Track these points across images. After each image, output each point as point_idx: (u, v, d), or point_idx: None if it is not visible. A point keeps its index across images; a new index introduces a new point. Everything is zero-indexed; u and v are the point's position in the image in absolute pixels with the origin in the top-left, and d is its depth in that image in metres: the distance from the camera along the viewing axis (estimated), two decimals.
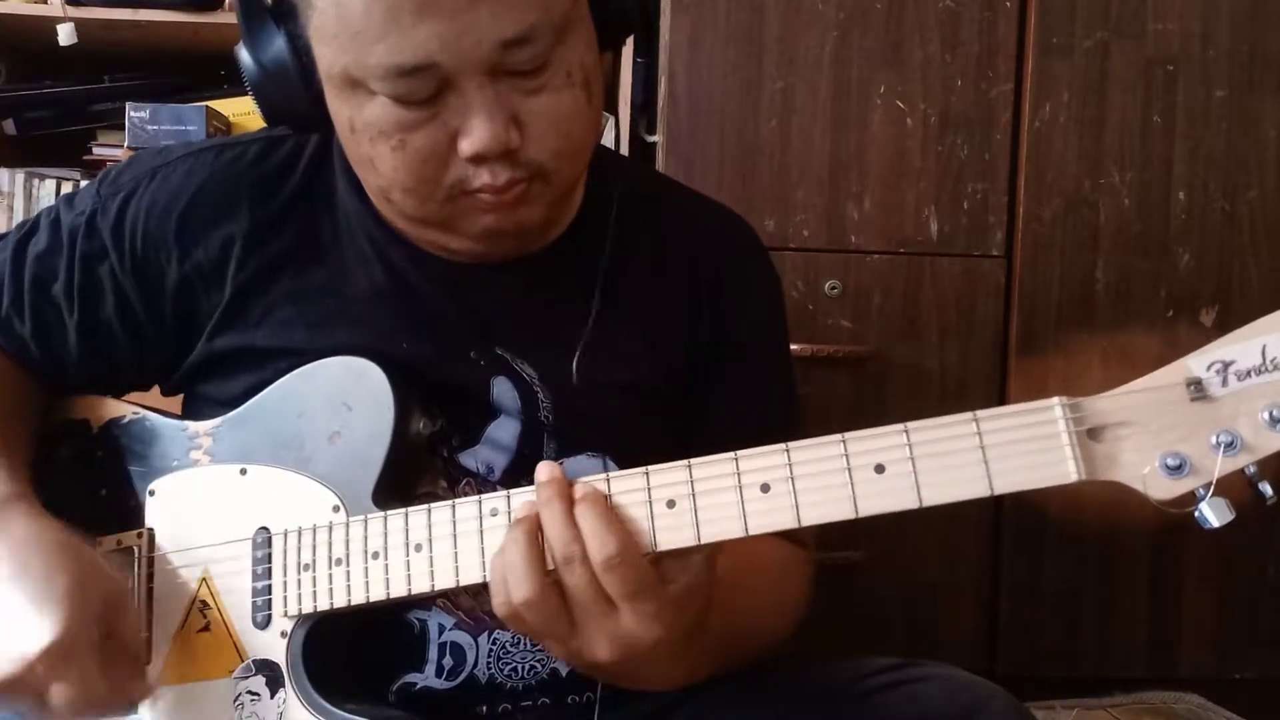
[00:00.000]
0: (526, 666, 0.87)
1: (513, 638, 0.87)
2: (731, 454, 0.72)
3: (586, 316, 0.91)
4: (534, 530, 0.72)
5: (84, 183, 1.82)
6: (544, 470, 0.74)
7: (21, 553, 0.77)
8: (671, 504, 0.72)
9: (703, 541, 0.72)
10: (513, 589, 0.71)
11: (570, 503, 0.72)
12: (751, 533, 0.71)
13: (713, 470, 0.72)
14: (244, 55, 0.82)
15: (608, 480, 0.73)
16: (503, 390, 0.89)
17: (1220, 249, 1.57)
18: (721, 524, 0.71)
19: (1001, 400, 1.56)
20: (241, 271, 0.89)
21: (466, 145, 0.77)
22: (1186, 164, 1.57)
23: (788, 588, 0.94)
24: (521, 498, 0.76)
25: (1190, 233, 1.57)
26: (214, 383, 0.91)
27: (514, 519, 0.74)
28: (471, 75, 0.76)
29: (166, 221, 0.90)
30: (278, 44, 0.81)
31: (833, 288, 1.55)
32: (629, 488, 0.73)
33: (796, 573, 0.95)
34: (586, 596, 0.70)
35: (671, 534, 0.72)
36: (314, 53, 0.80)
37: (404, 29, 0.73)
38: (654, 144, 1.62)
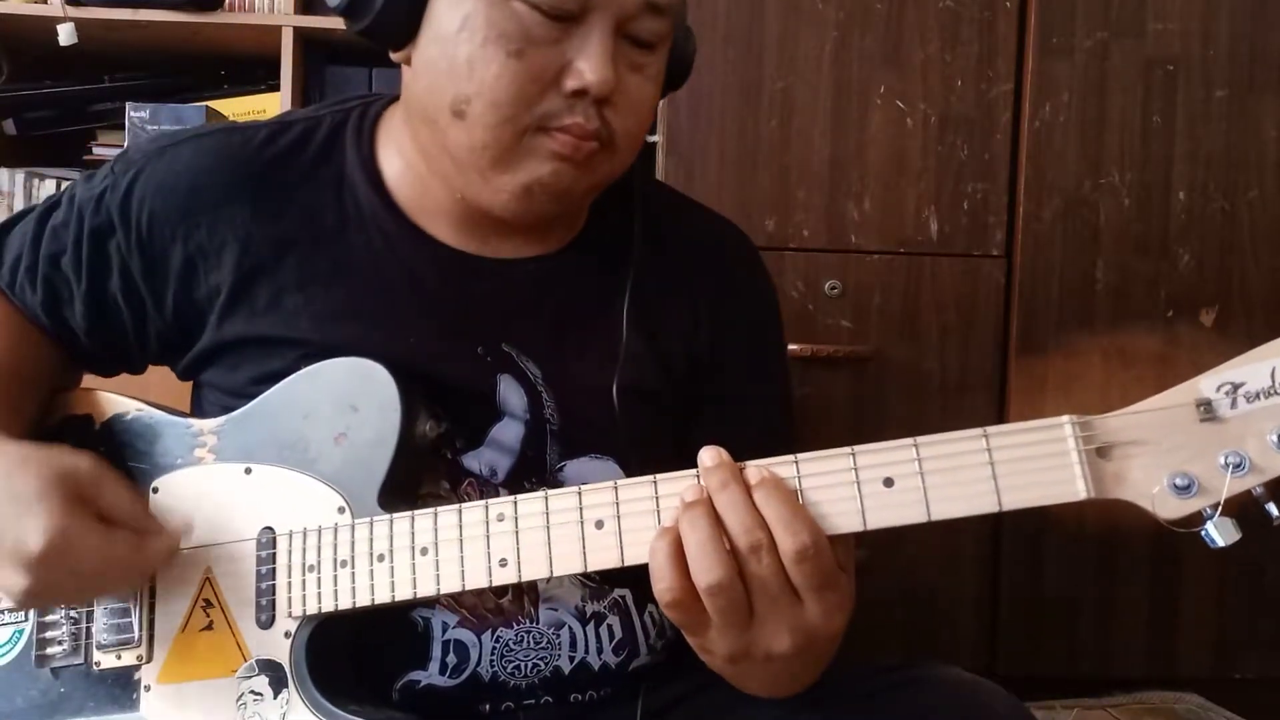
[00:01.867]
0: (530, 665, 0.87)
1: (516, 635, 0.87)
2: (741, 465, 0.72)
3: (592, 320, 0.91)
4: (714, 512, 0.69)
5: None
6: (710, 454, 0.71)
7: None
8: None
9: None
10: (699, 572, 0.67)
11: (747, 488, 0.69)
12: None
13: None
14: None
15: (616, 487, 0.74)
16: (508, 390, 0.89)
17: (1220, 249, 1.58)
18: None
19: (1002, 400, 1.56)
20: (246, 255, 0.89)
21: (576, 79, 0.80)
22: (1186, 164, 1.57)
23: None
24: (528, 503, 0.76)
25: (1190, 233, 1.57)
26: (222, 371, 0.91)
27: (685, 501, 0.70)
28: (609, 17, 0.80)
29: (173, 202, 0.90)
30: None
31: (833, 288, 1.56)
32: (638, 495, 0.73)
33: None
34: (775, 586, 0.68)
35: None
36: None
37: None
38: (654, 144, 1.62)
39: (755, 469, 0.70)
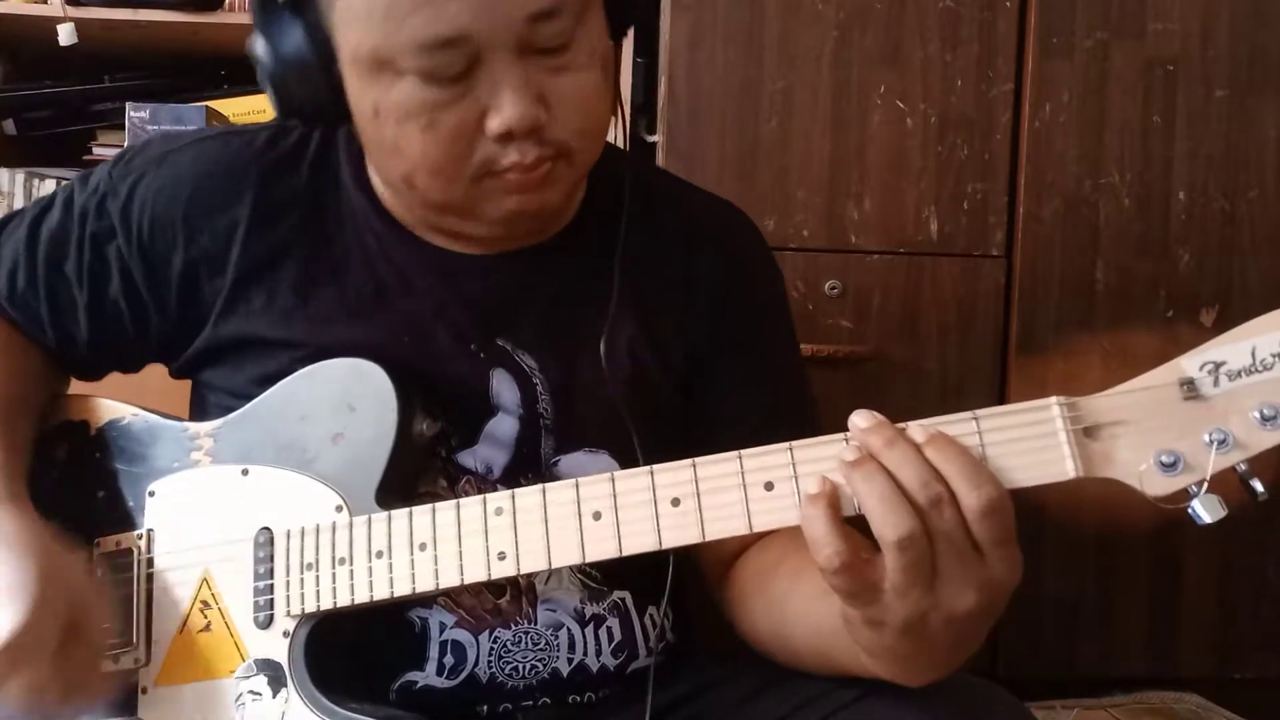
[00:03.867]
0: (527, 665, 0.87)
1: (514, 636, 0.87)
2: (735, 453, 0.72)
3: (587, 310, 0.91)
4: (884, 469, 0.66)
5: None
6: (864, 416, 0.68)
7: None
8: (676, 502, 0.73)
9: (707, 539, 0.72)
10: (885, 527, 0.64)
11: (914, 444, 0.67)
12: (755, 530, 0.71)
13: (717, 469, 0.73)
14: (259, 47, 0.83)
15: (613, 479, 0.74)
16: (502, 385, 0.89)
17: (1220, 249, 1.57)
18: (726, 522, 0.72)
19: (1001, 400, 1.56)
20: (244, 257, 0.90)
21: (496, 122, 0.78)
22: (1186, 164, 1.57)
23: None
24: (526, 497, 0.77)
25: (1190, 233, 1.57)
26: (220, 371, 0.92)
27: (847, 462, 0.67)
28: (501, 50, 0.77)
29: (173, 206, 0.91)
30: (295, 34, 0.81)
31: (833, 288, 1.55)
32: (634, 486, 0.74)
33: None
34: (959, 541, 0.65)
35: (677, 531, 0.72)
36: (336, 39, 0.80)
37: (436, 1, 0.74)
38: (654, 144, 1.62)
39: (918, 427, 0.68)
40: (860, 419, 0.68)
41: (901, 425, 0.68)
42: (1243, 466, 0.66)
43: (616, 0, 0.86)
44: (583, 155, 0.84)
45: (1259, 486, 0.66)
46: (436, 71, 0.77)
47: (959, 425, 0.69)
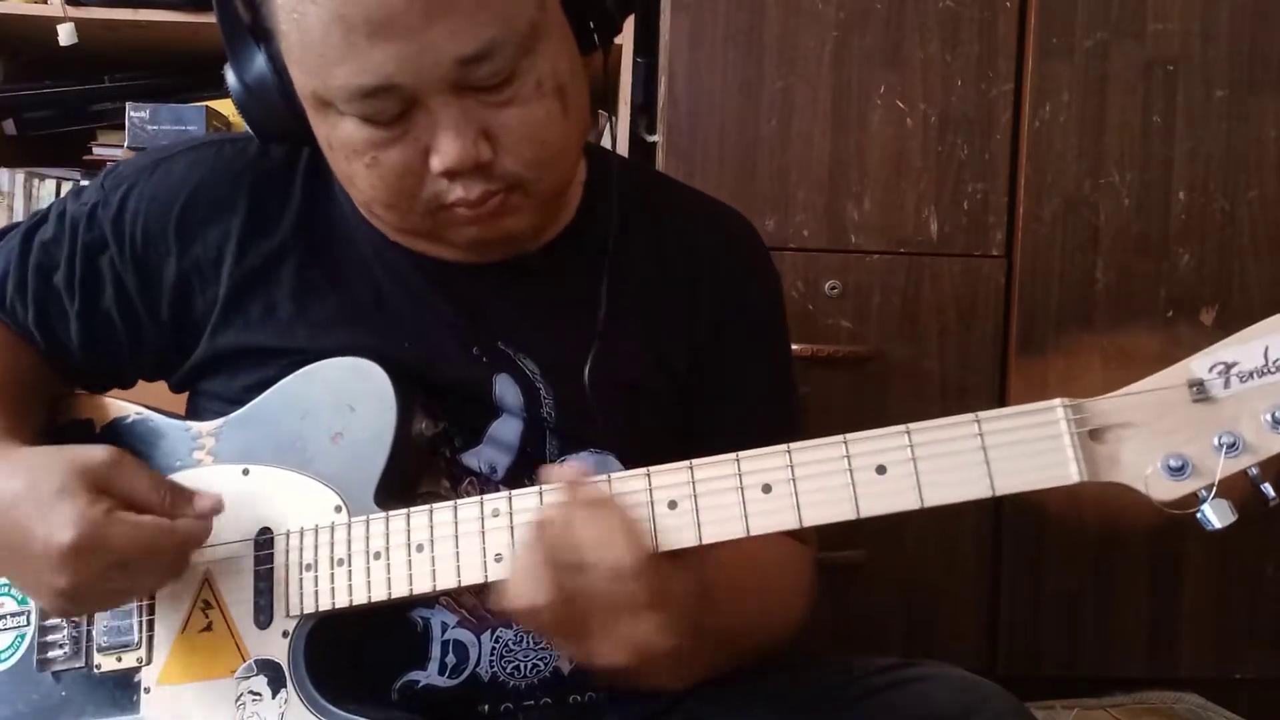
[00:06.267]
0: (529, 665, 0.88)
1: (516, 636, 0.87)
2: (733, 455, 0.72)
3: (586, 314, 0.91)
4: (547, 534, 0.71)
5: (84, 183, 1.82)
6: (549, 474, 0.74)
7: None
8: (674, 505, 0.72)
9: (704, 542, 0.72)
10: (532, 592, 0.70)
11: (577, 509, 0.71)
12: (753, 533, 0.71)
13: (714, 471, 0.72)
14: (229, 75, 0.84)
15: (609, 480, 0.73)
16: (505, 388, 0.89)
17: (1220, 249, 1.57)
18: (724, 525, 0.72)
19: (1002, 400, 1.56)
20: (238, 267, 0.90)
21: (436, 162, 0.77)
22: (1186, 164, 1.57)
23: (790, 585, 0.94)
24: (523, 499, 0.76)
25: (1190, 233, 1.57)
26: (218, 380, 0.92)
27: (530, 521, 0.73)
28: (435, 93, 0.76)
29: (166, 216, 0.90)
30: (259, 64, 0.82)
31: (833, 288, 1.55)
32: (631, 489, 0.73)
33: (799, 570, 0.95)
34: (601, 603, 0.69)
35: (674, 534, 0.72)
36: (289, 74, 0.80)
37: (361, 51, 0.73)
38: (654, 144, 1.62)
39: (587, 489, 0.73)
40: (546, 476, 0.74)
41: (588, 482, 0.73)
42: (1253, 470, 0.65)
43: (584, 16, 0.84)
44: (540, 184, 0.83)
45: (1270, 491, 0.65)
46: (373, 116, 0.77)
47: (960, 427, 0.68)
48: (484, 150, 0.77)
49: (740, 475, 0.72)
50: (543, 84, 0.79)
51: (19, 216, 1.83)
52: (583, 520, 0.70)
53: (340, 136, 0.79)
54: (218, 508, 0.82)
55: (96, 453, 0.79)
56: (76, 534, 0.74)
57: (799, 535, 0.94)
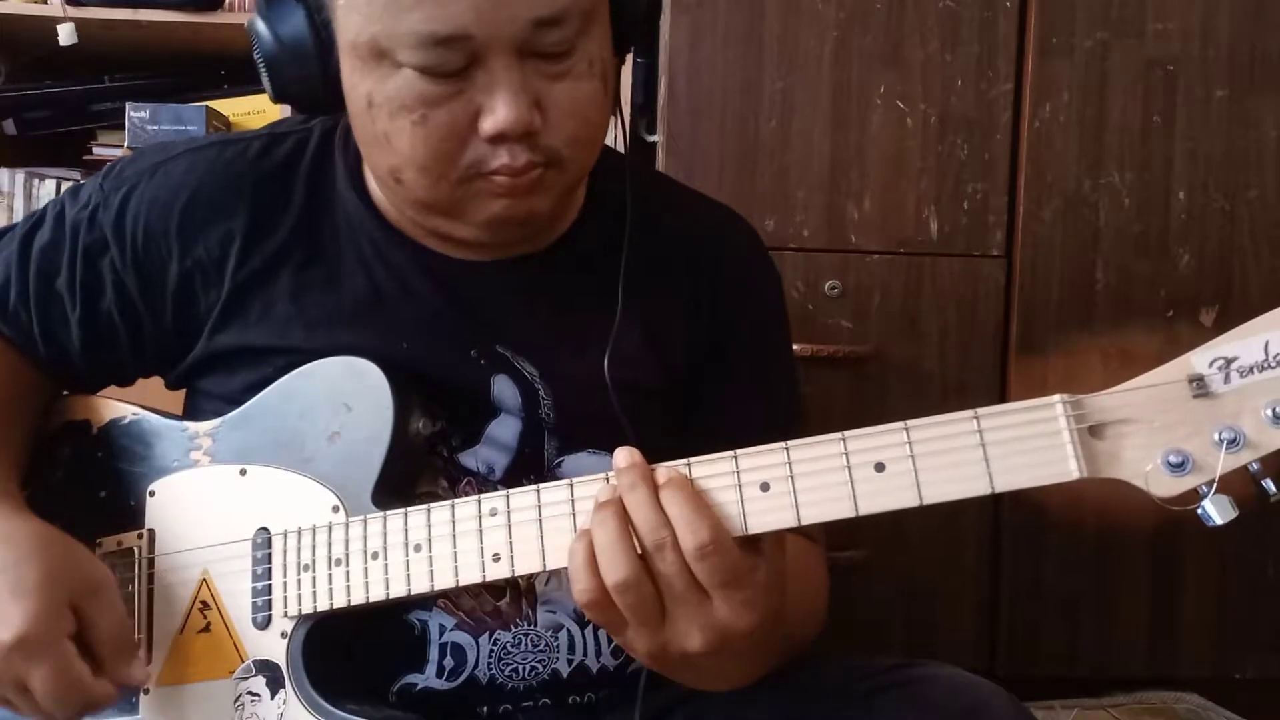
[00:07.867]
0: (527, 667, 0.87)
1: (513, 638, 0.87)
2: (731, 453, 0.72)
3: (587, 315, 0.91)
4: (622, 512, 0.70)
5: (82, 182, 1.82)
6: (623, 455, 0.72)
7: None
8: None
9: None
10: (606, 570, 0.69)
11: (655, 487, 0.70)
12: (750, 531, 0.71)
13: (711, 469, 0.72)
14: (259, 26, 0.82)
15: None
16: (503, 388, 0.89)
17: (1220, 249, 1.57)
18: (726, 523, 0.71)
19: (1002, 400, 1.55)
20: (241, 268, 0.90)
21: (489, 124, 0.78)
22: (1186, 164, 1.56)
23: (816, 580, 0.94)
24: (521, 498, 0.76)
25: (1190, 233, 1.57)
26: (215, 379, 0.92)
27: (598, 502, 0.72)
28: (501, 52, 0.76)
29: (168, 218, 0.90)
30: (296, 16, 0.81)
31: (833, 288, 1.55)
32: (716, 471, 0.73)
33: (818, 566, 0.95)
34: (680, 584, 0.69)
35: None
36: (337, 25, 0.80)
37: None
38: (654, 144, 1.62)
39: (665, 469, 0.71)
40: (620, 457, 0.72)
41: (665, 465, 0.72)
42: (1254, 466, 0.64)
43: (623, 14, 0.85)
44: (574, 164, 0.84)
45: (1271, 487, 0.65)
46: (433, 67, 0.77)
47: (959, 424, 0.68)
48: (536, 119, 0.78)
49: (738, 473, 0.71)
50: (594, 64, 0.81)
51: (19, 216, 1.83)
52: (665, 499, 0.70)
53: (389, 90, 0.78)
54: (144, 687, 0.84)
55: (95, 571, 0.80)
56: (16, 637, 0.74)
57: (808, 533, 0.94)
